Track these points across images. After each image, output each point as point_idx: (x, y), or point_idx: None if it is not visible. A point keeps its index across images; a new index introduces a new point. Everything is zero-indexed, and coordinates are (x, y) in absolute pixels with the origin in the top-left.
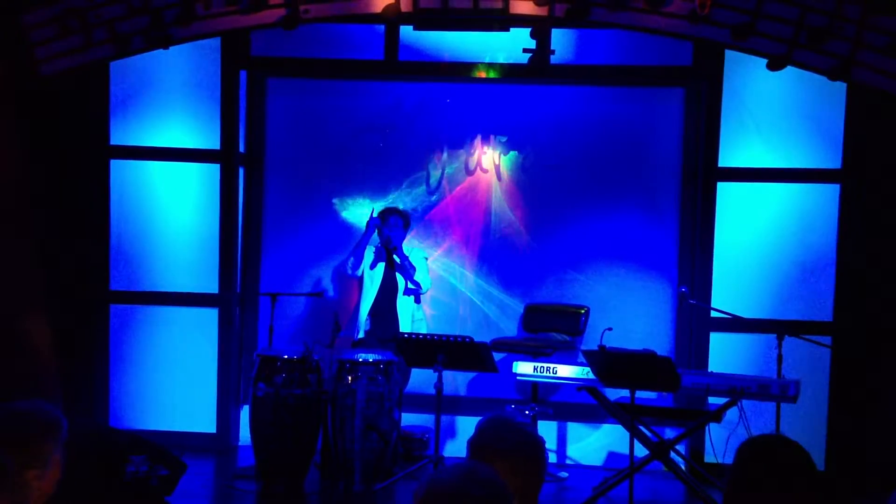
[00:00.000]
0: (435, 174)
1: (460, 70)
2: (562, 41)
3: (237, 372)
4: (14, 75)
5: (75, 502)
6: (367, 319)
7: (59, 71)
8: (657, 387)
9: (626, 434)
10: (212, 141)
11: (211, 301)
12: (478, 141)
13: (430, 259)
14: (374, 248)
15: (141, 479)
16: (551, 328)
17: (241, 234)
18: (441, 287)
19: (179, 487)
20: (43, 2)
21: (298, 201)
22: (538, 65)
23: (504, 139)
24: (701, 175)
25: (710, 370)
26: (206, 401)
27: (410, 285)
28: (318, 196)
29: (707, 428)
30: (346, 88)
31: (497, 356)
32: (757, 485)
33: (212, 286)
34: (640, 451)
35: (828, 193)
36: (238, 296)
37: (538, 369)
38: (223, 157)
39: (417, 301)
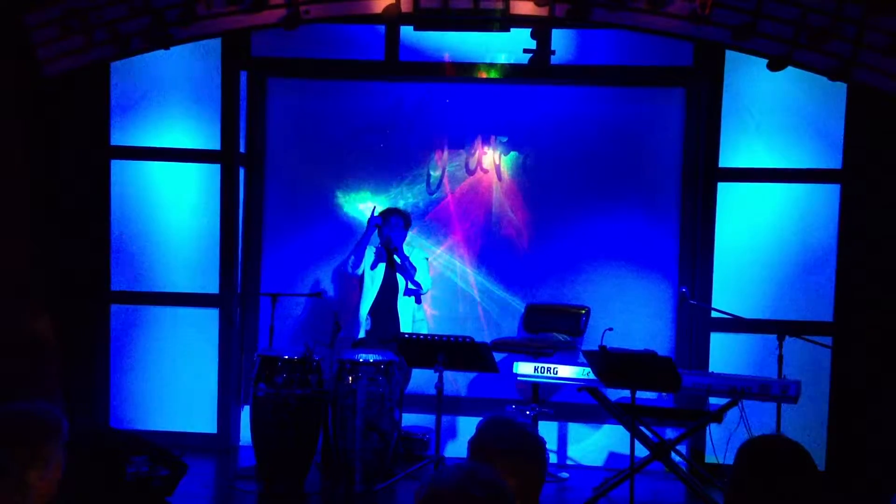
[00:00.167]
0: (435, 174)
1: (461, 70)
2: (562, 41)
3: (238, 372)
4: (16, 76)
5: (76, 503)
6: (367, 320)
7: (61, 71)
8: (658, 387)
9: (627, 434)
10: (212, 141)
11: (211, 301)
12: (478, 141)
13: (430, 259)
14: (374, 249)
15: (142, 480)
16: (552, 328)
17: (241, 234)
18: (442, 287)
19: (180, 488)
20: (45, 3)
21: (299, 201)
22: (539, 65)
23: (505, 139)
24: (701, 175)
25: (710, 370)
26: (207, 401)
27: (411, 286)
28: (318, 196)
29: (708, 428)
30: (346, 89)
31: (498, 356)
32: (758, 485)
33: (212, 286)
34: (641, 451)
35: (828, 194)
36: (238, 296)
37: (539, 369)
38: (223, 157)
39: (418, 301)
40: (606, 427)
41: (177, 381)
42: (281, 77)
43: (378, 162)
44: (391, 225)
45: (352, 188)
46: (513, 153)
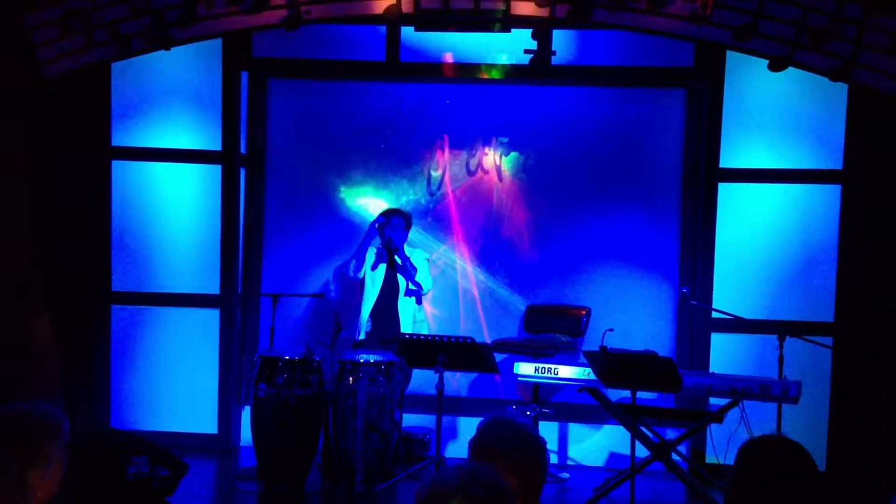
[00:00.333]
0: (436, 175)
1: (462, 71)
2: (563, 42)
3: (238, 372)
4: (16, 76)
5: (77, 503)
6: (368, 320)
7: (62, 72)
8: (658, 388)
9: (628, 435)
10: (213, 142)
11: (212, 302)
12: (479, 141)
13: (430, 259)
14: (375, 249)
15: (142, 480)
16: (553, 329)
17: (242, 234)
18: (442, 288)
19: (181, 488)
20: (45, 3)
21: (299, 202)
22: (539, 66)
23: (505, 140)
24: (702, 176)
25: (711, 371)
26: (208, 401)
27: (412, 286)
28: (319, 196)
29: (708, 429)
30: (347, 89)
31: (498, 357)
32: (758, 485)
33: (213, 287)
34: (642, 451)
35: (829, 194)
36: (239, 296)
37: (539, 370)
38: (224, 157)
39: (419, 302)
40: (607, 427)
41: (177, 382)
42: (282, 77)
43: (379, 162)
44: (392, 225)
45: (352, 189)
46: (513, 153)
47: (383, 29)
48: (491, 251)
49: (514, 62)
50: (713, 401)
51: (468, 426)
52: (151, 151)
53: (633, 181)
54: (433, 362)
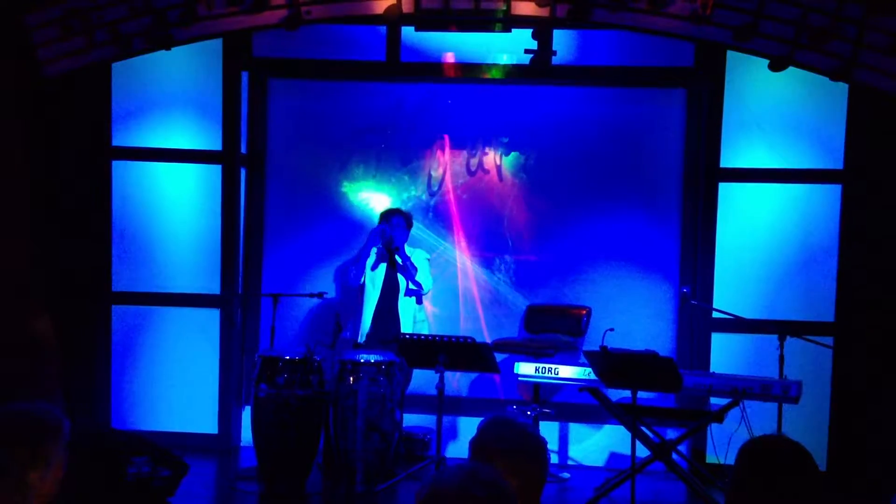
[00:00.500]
0: (436, 175)
1: (462, 71)
2: (563, 42)
3: (239, 373)
4: (16, 76)
5: (77, 503)
6: (368, 321)
7: (62, 72)
8: (659, 387)
9: (628, 435)
10: (213, 142)
11: (213, 302)
12: (479, 142)
13: (431, 259)
14: (375, 249)
15: (143, 480)
16: (553, 329)
17: (242, 234)
18: (443, 287)
19: (181, 488)
20: (45, 3)
21: (300, 202)
22: (540, 66)
23: (506, 140)
24: (703, 175)
25: (711, 371)
26: (208, 402)
27: (412, 286)
28: (319, 196)
29: (709, 428)
30: (347, 89)
31: (499, 357)
32: (759, 485)
33: (213, 287)
34: (642, 451)
35: (829, 194)
36: (240, 296)
37: (540, 370)
38: (225, 158)
39: (419, 302)
40: (607, 427)
41: (178, 382)
42: (282, 78)
43: (379, 162)
44: (393, 225)
45: (353, 189)
46: (514, 153)
47: (384, 29)
48: (491, 251)
49: (514, 62)
50: (714, 401)
51: (469, 426)
52: (152, 151)
53: (633, 181)
54: (434, 362)
